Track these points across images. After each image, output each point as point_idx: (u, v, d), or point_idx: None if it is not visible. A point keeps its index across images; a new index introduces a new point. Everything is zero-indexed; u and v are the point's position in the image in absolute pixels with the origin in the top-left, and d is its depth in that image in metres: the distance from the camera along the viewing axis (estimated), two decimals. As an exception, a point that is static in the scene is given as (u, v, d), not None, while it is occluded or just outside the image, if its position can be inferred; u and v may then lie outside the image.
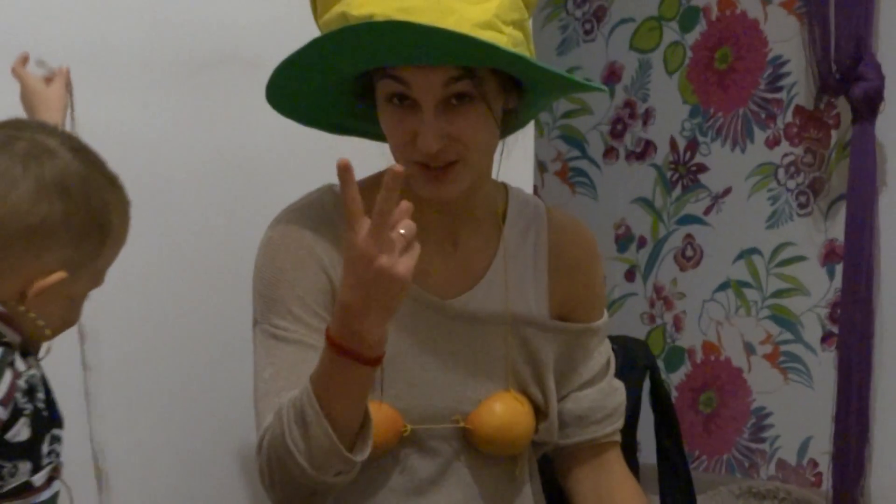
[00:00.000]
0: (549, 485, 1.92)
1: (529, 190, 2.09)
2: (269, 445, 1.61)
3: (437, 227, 1.75)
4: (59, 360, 1.51)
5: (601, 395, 1.83)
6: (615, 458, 1.86)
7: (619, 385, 1.88)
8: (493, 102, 1.63)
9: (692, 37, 3.88)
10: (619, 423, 1.87)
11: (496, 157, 1.77)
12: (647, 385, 2.30)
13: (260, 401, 1.68)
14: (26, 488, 1.37)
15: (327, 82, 1.68)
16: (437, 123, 1.59)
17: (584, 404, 1.82)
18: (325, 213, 1.73)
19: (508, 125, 1.73)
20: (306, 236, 1.70)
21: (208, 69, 2.20)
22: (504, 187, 1.84)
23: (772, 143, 3.66)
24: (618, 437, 1.87)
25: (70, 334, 1.57)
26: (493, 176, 1.81)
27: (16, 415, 1.36)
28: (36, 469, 1.38)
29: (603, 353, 1.86)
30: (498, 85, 1.64)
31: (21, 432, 1.36)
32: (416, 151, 1.61)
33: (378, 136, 1.75)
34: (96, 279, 1.45)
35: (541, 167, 4.11)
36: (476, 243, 1.78)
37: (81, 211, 1.39)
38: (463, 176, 1.64)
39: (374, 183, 1.67)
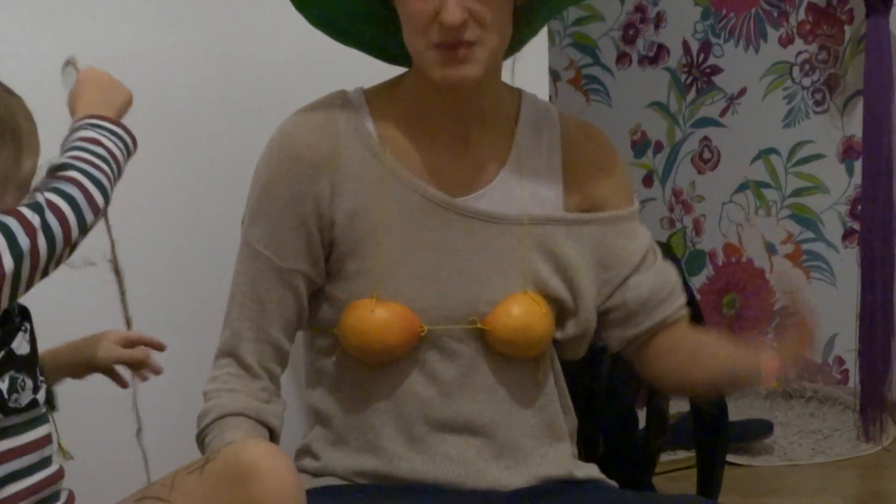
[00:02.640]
0: (575, 388, 1.91)
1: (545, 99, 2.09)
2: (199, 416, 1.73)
3: (449, 128, 1.75)
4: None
5: (659, 276, 1.82)
6: (687, 328, 1.85)
7: (669, 264, 1.87)
8: None
9: None
10: (683, 297, 1.85)
11: (509, 65, 1.78)
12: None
13: (228, 311, 1.76)
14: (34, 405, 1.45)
15: None
16: None
17: (646, 288, 1.80)
18: (330, 123, 1.74)
19: (520, 29, 1.73)
20: (303, 159, 1.71)
21: None
22: (518, 92, 1.84)
23: (785, 42, 3.71)
24: (686, 311, 1.85)
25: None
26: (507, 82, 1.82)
27: None
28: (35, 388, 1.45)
29: (643, 236, 1.84)
30: None
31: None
32: (437, 30, 1.61)
33: (378, 48, 1.80)
34: (23, 192, 1.45)
35: (553, 76, 4.10)
36: (488, 145, 1.77)
37: None
38: (480, 58, 1.63)
39: (384, 92, 1.76)
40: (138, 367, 1.74)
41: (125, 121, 1.57)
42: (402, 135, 1.74)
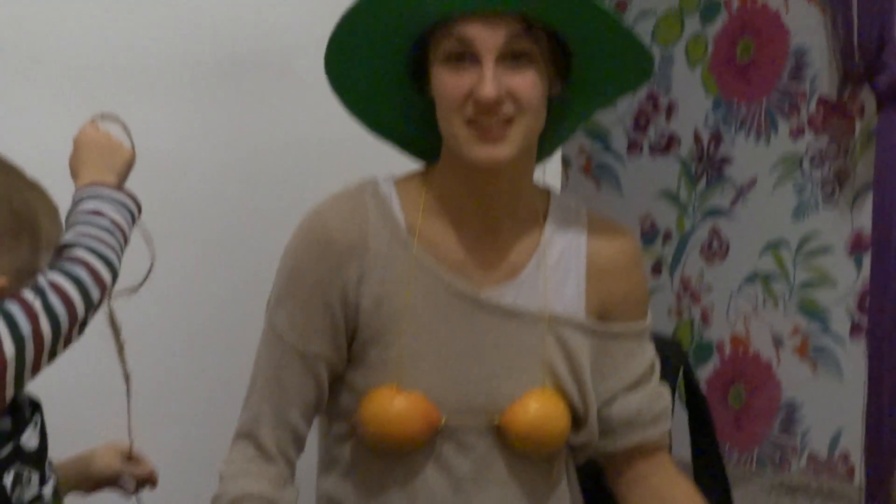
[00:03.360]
0: (589, 492, 1.92)
1: (558, 188, 2.14)
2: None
3: (478, 218, 1.75)
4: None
5: (648, 399, 1.81)
6: (666, 460, 1.85)
7: (665, 388, 1.87)
8: (547, 68, 1.67)
9: (714, 29, 3.87)
10: (667, 425, 1.85)
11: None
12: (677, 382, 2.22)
13: (249, 394, 1.75)
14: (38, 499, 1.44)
15: (381, 48, 1.70)
16: (496, 73, 1.61)
17: (632, 408, 1.80)
18: (360, 210, 1.74)
19: (553, 127, 1.75)
20: (333, 247, 1.72)
21: (237, 73, 2.22)
22: (547, 191, 1.85)
23: (796, 134, 3.66)
24: (667, 440, 1.86)
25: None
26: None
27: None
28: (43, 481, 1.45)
29: (646, 355, 1.84)
30: (551, 54, 1.67)
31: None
32: (472, 106, 1.63)
33: (410, 142, 1.82)
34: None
35: (564, 162, 4.05)
36: (516, 239, 1.77)
37: (4, 213, 1.40)
38: (514, 137, 1.64)
39: (414, 181, 1.77)
40: (143, 481, 1.75)
41: (135, 174, 1.56)
42: (430, 224, 1.74)
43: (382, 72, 1.73)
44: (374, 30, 1.67)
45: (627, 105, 4.08)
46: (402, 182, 1.78)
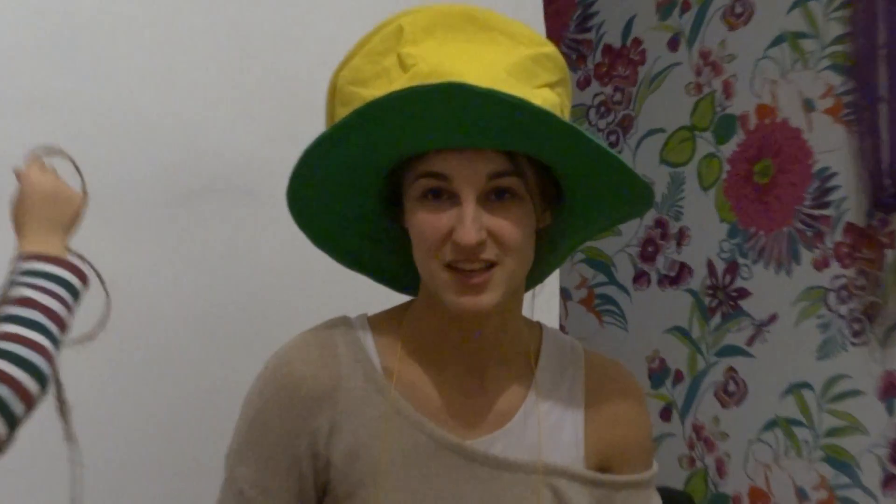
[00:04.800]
0: None
1: (555, 322, 2.15)
2: None
3: (462, 362, 1.72)
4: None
5: None
6: None
7: None
8: (535, 203, 1.64)
9: (728, 148, 3.86)
10: None
11: (528, 295, 1.79)
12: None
13: None
14: None
15: (349, 183, 1.68)
16: (477, 214, 1.58)
17: None
18: (330, 353, 1.71)
19: (543, 256, 1.73)
20: (299, 394, 1.68)
21: (198, 200, 2.27)
22: (538, 327, 1.82)
23: (820, 265, 3.60)
24: None
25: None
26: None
27: None
28: None
29: None
30: (539, 186, 1.64)
31: None
32: (451, 250, 1.59)
33: (385, 273, 1.81)
34: None
35: (564, 295, 4.11)
36: (504, 384, 1.75)
37: None
38: (498, 282, 1.60)
39: (390, 319, 1.75)
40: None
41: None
42: (409, 367, 1.72)
43: (351, 205, 1.72)
44: (342, 164, 1.65)
45: (633, 231, 4.09)
46: (377, 320, 1.76)
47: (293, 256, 1.98)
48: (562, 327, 3.99)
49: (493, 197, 1.59)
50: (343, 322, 1.74)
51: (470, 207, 1.57)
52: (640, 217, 3.89)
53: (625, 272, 4.10)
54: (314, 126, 1.67)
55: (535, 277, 1.77)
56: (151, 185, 2.20)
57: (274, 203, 1.80)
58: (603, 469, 1.78)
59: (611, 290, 4.12)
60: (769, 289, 3.72)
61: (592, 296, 4.16)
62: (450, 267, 1.60)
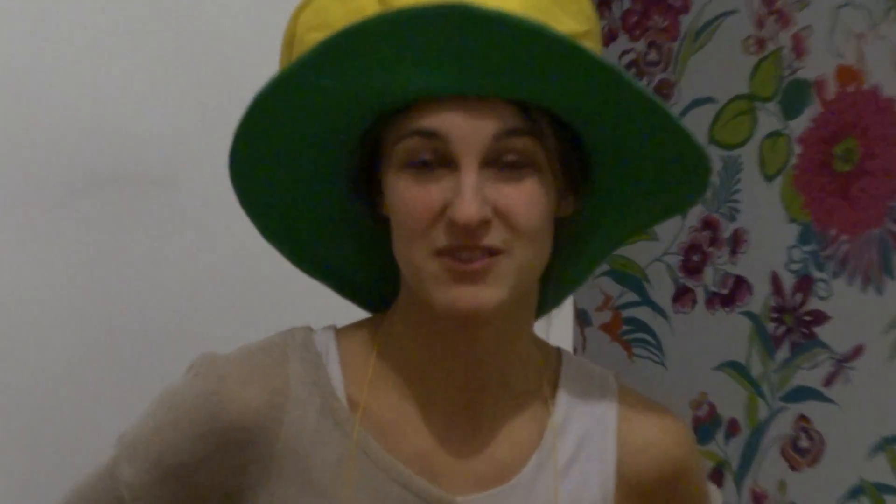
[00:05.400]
0: None
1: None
2: None
3: (452, 392, 1.66)
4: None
5: None
6: None
7: None
8: (555, 177, 1.59)
9: (800, 124, 3.63)
10: None
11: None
12: None
13: None
14: None
15: (313, 143, 1.64)
16: (481, 185, 1.53)
17: None
18: (278, 375, 1.66)
19: (561, 263, 1.69)
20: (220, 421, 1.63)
21: (102, 191, 2.25)
22: (556, 352, 1.77)
23: None
24: None
25: None
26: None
27: None
28: None
29: None
30: (561, 154, 1.59)
31: None
32: (444, 233, 1.53)
33: (351, 282, 1.80)
34: None
35: (581, 319, 4.02)
36: (510, 423, 1.70)
37: None
38: (505, 276, 1.55)
39: (363, 334, 1.71)
40: None
41: None
42: (382, 398, 1.66)
43: (312, 181, 1.69)
44: (301, 120, 1.61)
45: (673, 234, 3.93)
46: (346, 334, 1.72)
47: (224, 259, 2.08)
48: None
49: (503, 165, 1.54)
50: (303, 335, 1.69)
51: (471, 175, 1.52)
52: (684, 213, 3.86)
53: (662, 289, 3.96)
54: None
55: (551, 295, 1.74)
56: (41, 172, 2.21)
57: (200, 194, 1.86)
58: None
59: (643, 313, 4.00)
60: (854, 312, 3.47)
61: (619, 320, 4.07)
62: (441, 254, 1.53)
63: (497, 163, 1.54)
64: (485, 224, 1.52)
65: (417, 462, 1.65)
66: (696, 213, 3.83)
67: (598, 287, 4.06)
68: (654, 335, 3.97)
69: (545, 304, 1.73)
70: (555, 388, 1.75)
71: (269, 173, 1.66)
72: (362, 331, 1.72)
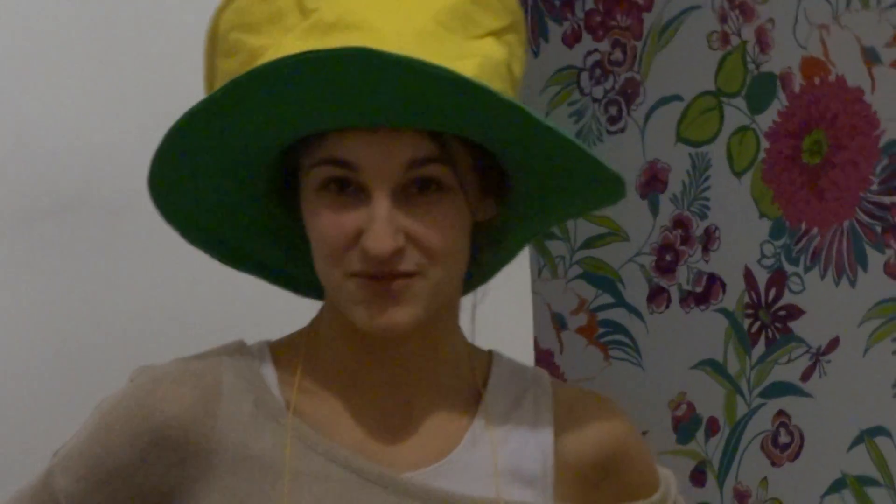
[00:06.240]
0: None
1: (530, 353, 2.11)
2: None
3: (384, 398, 1.72)
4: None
5: None
6: None
7: None
8: (469, 195, 1.62)
9: (767, 119, 3.63)
10: None
11: (468, 306, 1.79)
12: None
13: None
14: None
15: (231, 164, 1.67)
16: (392, 215, 1.57)
17: None
18: (209, 384, 1.69)
19: (486, 250, 1.74)
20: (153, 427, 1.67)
21: (51, 218, 2.33)
22: (489, 353, 1.81)
23: (894, 270, 3.41)
24: None
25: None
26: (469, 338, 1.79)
27: None
28: None
29: None
30: (478, 175, 1.63)
31: None
32: (358, 259, 1.58)
33: (284, 275, 1.82)
34: None
35: (556, 322, 3.93)
36: (443, 416, 1.75)
37: None
38: (419, 294, 1.60)
39: (294, 343, 1.74)
40: None
41: None
42: (315, 397, 1.71)
43: (232, 194, 1.71)
44: (218, 144, 1.63)
45: (645, 235, 3.87)
46: (279, 346, 1.76)
47: (185, 282, 2.19)
48: (555, 366, 3.86)
49: (415, 189, 1.58)
50: (237, 349, 1.73)
51: (382, 206, 1.56)
52: (655, 214, 3.86)
53: (636, 290, 3.88)
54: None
55: (477, 275, 1.76)
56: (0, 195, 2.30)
57: (158, 217, 1.84)
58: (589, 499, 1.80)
59: (618, 315, 3.92)
60: (828, 305, 3.51)
61: (594, 322, 3.96)
62: (357, 275, 1.58)
63: (410, 189, 1.58)
64: (398, 252, 1.56)
65: (355, 446, 1.69)
66: (667, 212, 3.82)
67: (573, 290, 3.98)
68: (630, 336, 3.92)
69: (472, 286, 1.78)
70: (485, 379, 1.79)
71: (190, 193, 1.70)
72: (294, 338, 1.77)
